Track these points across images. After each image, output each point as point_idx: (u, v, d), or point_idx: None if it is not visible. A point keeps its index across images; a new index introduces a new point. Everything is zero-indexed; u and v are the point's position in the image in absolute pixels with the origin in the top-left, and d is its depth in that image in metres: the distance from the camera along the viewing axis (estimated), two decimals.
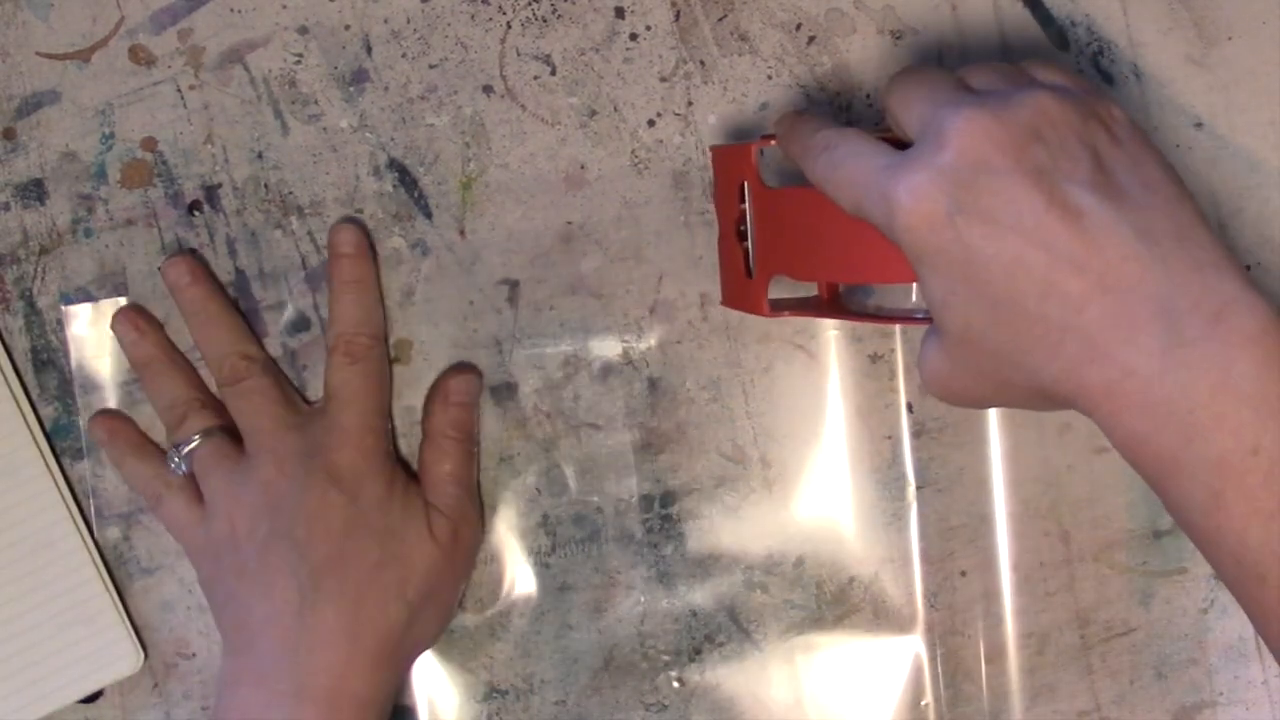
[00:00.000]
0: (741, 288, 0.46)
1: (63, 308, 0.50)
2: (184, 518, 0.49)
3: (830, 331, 0.51)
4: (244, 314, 0.50)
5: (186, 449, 0.48)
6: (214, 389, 0.50)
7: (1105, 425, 0.37)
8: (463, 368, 0.50)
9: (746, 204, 0.45)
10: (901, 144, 0.39)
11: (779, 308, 0.45)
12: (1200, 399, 0.35)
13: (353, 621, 0.46)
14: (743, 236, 0.45)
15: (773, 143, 0.44)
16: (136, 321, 0.49)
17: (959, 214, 0.36)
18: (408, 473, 0.50)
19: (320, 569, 0.46)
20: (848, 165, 0.39)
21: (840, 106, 0.50)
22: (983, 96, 0.38)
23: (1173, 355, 0.35)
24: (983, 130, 0.37)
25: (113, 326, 0.50)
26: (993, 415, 0.51)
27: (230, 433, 0.49)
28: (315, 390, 0.50)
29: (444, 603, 0.49)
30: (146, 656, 0.50)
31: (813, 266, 0.43)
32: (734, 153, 0.46)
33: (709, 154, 0.49)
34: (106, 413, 0.50)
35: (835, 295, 0.47)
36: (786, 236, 0.43)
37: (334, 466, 0.47)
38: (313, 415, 0.49)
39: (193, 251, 0.50)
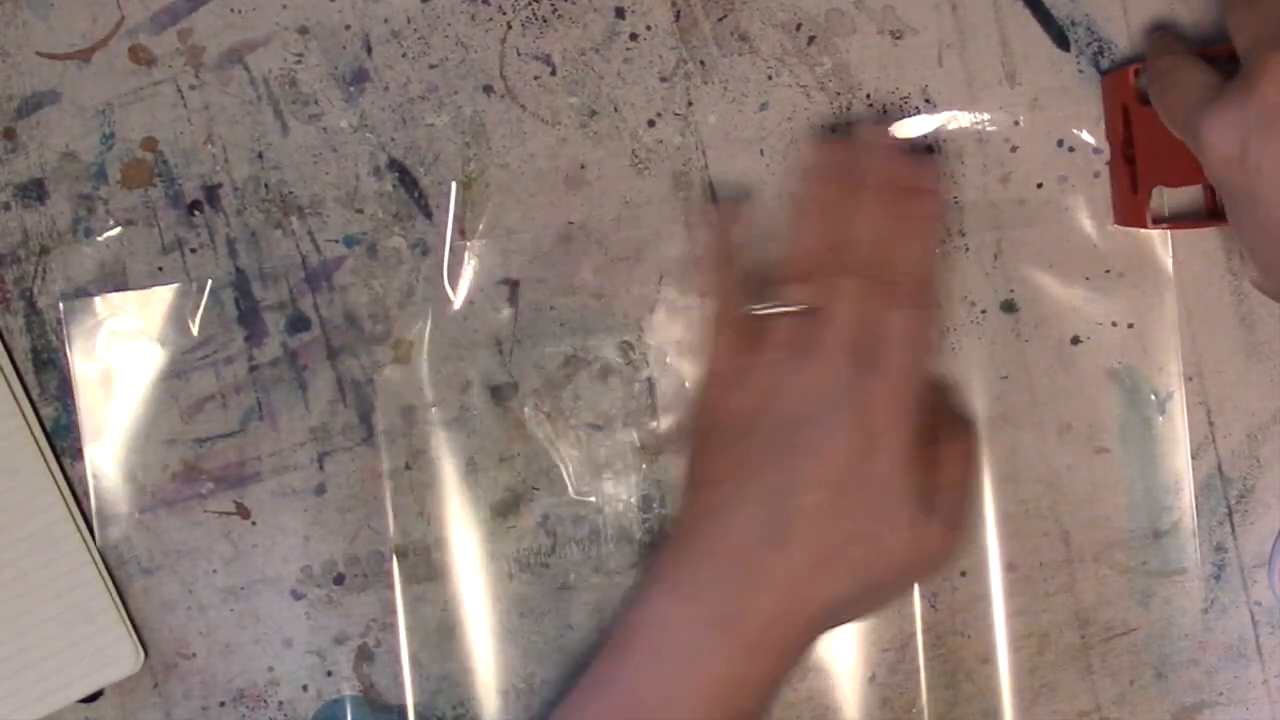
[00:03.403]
0: (1128, 205, 0.49)
1: (61, 305, 0.50)
2: (726, 359, 0.47)
3: None
4: (250, 312, 0.50)
5: (782, 308, 0.46)
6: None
7: None
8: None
9: (1130, 126, 0.49)
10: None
11: (1160, 222, 0.49)
12: None
13: (803, 578, 0.43)
14: (1129, 159, 0.49)
15: None
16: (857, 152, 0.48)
17: (1250, 156, 0.39)
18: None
19: (799, 512, 0.43)
20: (1173, 93, 0.43)
21: (841, 107, 0.50)
22: None
23: None
24: None
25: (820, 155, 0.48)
26: (993, 416, 0.51)
27: (818, 319, 0.46)
28: (315, 391, 0.50)
29: (877, 601, 0.47)
30: (147, 656, 0.50)
31: (1182, 173, 0.46)
32: (1116, 78, 0.49)
33: (1100, 82, 0.51)
34: (731, 202, 0.50)
35: (1217, 205, 0.50)
36: (1162, 149, 0.46)
37: (871, 416, 0.44)
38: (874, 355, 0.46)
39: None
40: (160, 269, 0.50)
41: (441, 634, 0.51)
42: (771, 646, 0.43)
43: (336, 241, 0.50)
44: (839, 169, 0.48)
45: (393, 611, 0.51)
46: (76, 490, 0.51)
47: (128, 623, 0.50)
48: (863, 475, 0.44)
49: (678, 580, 0.44)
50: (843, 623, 0.47)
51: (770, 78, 0.50)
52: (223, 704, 0.51)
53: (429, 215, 0.50)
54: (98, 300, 0.50)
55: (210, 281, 0.50)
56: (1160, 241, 0.50)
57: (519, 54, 0.50)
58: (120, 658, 0.50)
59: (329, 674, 0.51)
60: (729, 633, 0.43)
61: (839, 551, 0.43)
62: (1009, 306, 0.51)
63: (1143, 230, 0.50)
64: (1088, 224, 0.51)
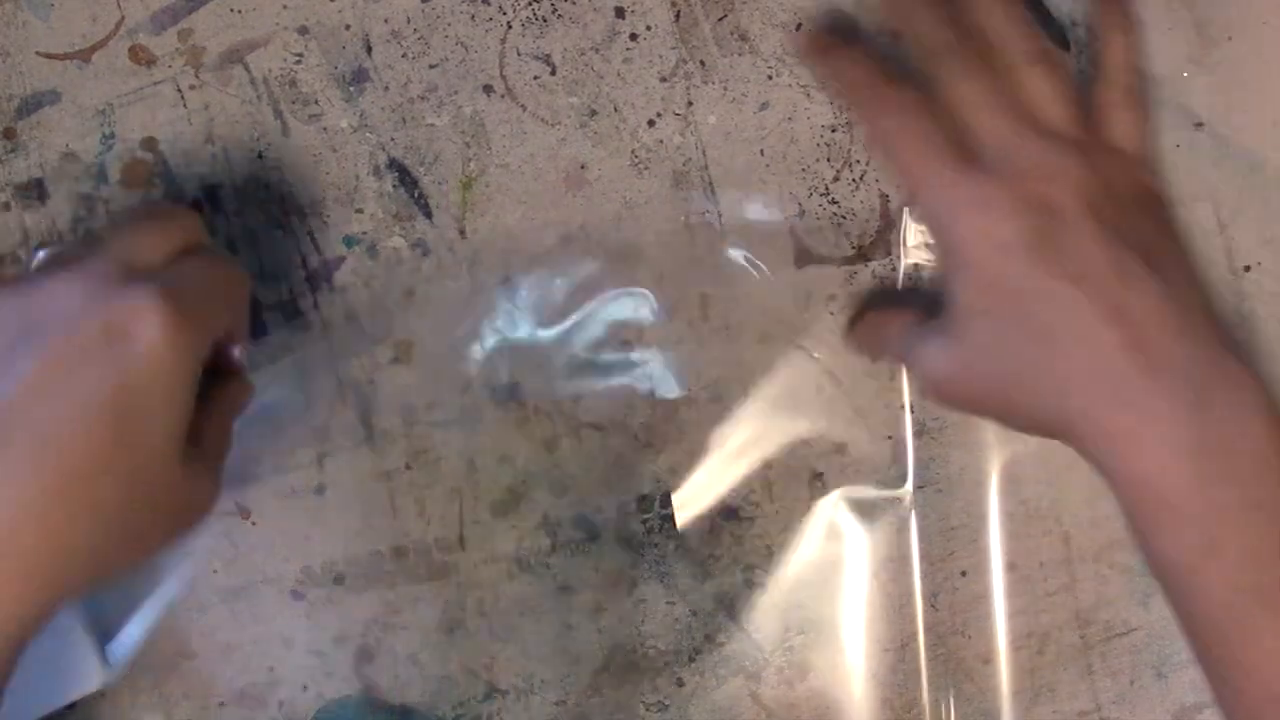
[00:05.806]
0: None
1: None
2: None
3: (831, 336, 0.51)
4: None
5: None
6: None
7: (1112, 464, 0.42)
8: None
9: None
10: None
11: None
12: (1213, 451, 0.39)
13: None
14: None
15: None
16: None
17: None
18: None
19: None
20: None
21: (841, 106, 0.50)
22: None
23: (1195, 412, 0.40)
24: None
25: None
26: None
27: None
28: (315, 391, 0.50)
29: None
30: (112, 668, 0.48)
31: None
32: None
33: None
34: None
35: None
36: None
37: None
38: None
39: None
40: None
41: (441, 634, 0.51)
42: None
43: (337, 241, 0.51)
44: None
45: (394, 611, 0.51)
46: None
47: (92, 636, 0.48)
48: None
49: None
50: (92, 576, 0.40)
51: (770, 78, 0.50)
52: (223, 704, 0.51)
53: (429, 215, 0.51)
54: None
55: None
56: None
57: (519, 54, 0.50)
58: (85, 674, 0.47)
59: (329, 674, 0.51)
60: None
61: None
62: None
63: None
64: None
